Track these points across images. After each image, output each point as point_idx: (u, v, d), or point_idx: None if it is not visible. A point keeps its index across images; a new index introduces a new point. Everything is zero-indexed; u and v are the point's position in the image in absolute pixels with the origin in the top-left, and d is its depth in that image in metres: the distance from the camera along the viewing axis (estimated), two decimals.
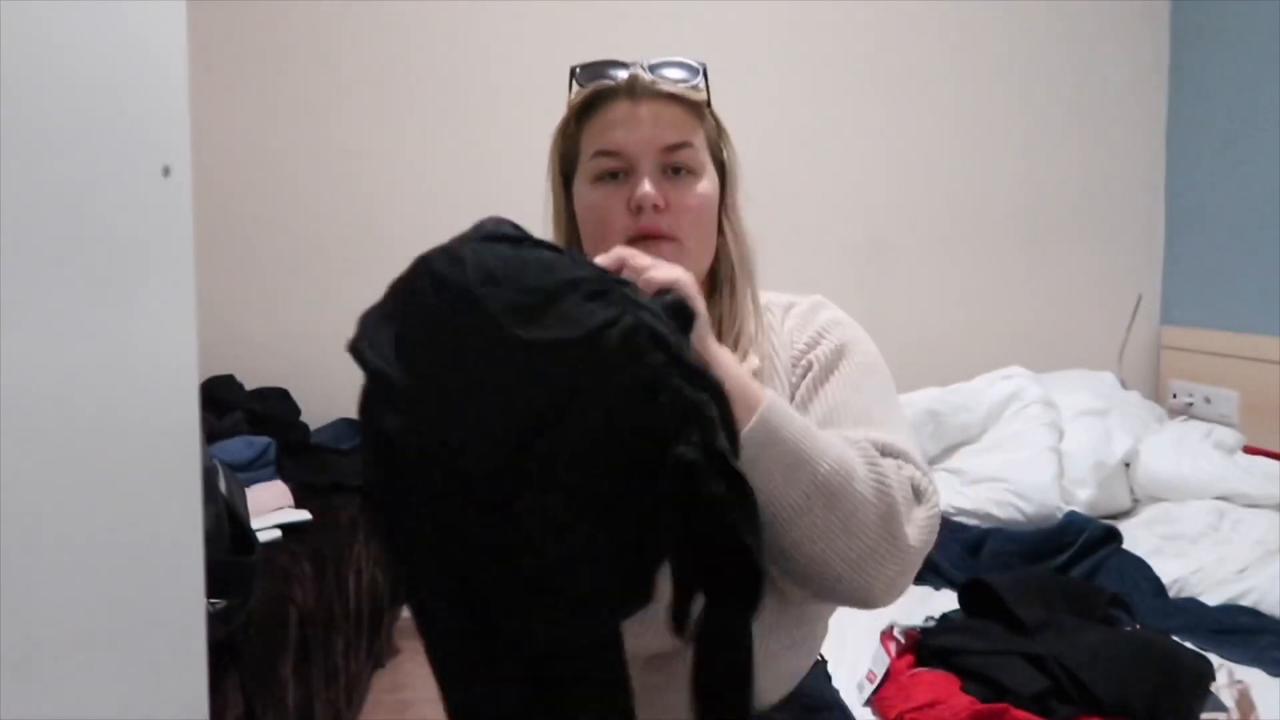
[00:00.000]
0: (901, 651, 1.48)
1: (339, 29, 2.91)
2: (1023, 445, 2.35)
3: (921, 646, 1.47)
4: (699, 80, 1.01)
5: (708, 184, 0.99)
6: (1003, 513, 2.22)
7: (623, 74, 0.98)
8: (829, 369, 0.99)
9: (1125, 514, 2.37)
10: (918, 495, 0.87)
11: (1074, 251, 3.12)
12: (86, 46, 0.74)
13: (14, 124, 0.64)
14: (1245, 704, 1.33)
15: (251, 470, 2.34)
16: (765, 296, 1.08)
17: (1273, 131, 2.67)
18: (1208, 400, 2.82)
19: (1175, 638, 1.58)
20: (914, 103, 3.05)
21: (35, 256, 0.67)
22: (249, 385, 2.86)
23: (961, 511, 2.24)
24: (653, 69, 0.99)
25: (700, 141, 1.00)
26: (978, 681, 1.36)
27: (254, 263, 2.95)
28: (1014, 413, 2.46)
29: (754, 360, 0.98)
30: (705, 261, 1.01)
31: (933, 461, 2.44)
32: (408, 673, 2.74)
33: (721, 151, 1.04)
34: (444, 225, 3.07)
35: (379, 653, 2.61)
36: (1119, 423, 2.53)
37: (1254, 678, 1.46)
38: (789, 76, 3.01)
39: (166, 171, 0.85)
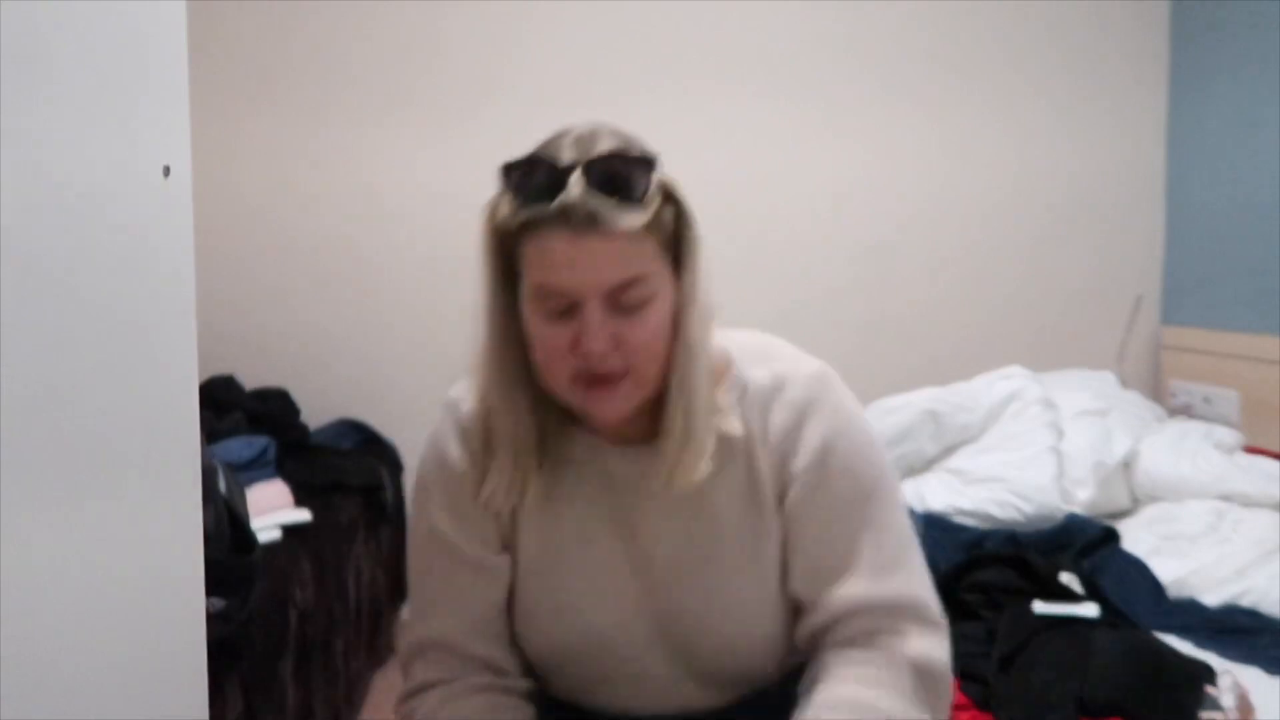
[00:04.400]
0: None
1: (339, 29, 2.91)
2: (1022, 445, 2.34)
3: None
4: (645, 186, 0.87)
5: (661, 304, 0.90)
6: (1002, 513, 2.21)
7: (558, 197, 0.85)
8: (816, 493, 0.95)
9: (1125, 514, 2.37)
10: (920, 671, 0.90)
11: (1074, 251, 3.12)
12: (87, 46, 0.74)
13: (15, 124, 0.64)
14: (1244, 705, 1.32)
15: (251, 470, 2.34)
16: (748, 371, 0.99)
17: (1273, 131, 2.67)
18: (1208, 400, 2.82)
19: (1174, 638, 1.58)
20: (913, 103, 3.04)
21: (36, 256, 0.67)
22: (249, 385, 2.86)
23: (961, 512, 2.24)
24: (595, 179, 0.85)
25: (652, 262, 0.89)
26: (974, 681, 1.37)
27: (254, 263, 2.95)
28: (1014, 413, 2.46)
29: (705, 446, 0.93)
30: (662, 373, 0.92)
31: (932, 462, 2.44)
32: None
33: (678, 244, 0.91)
34: (444, 226, 3.09)
35: (379, 653, 2.61)
36: (1119, 423, 2.53)
37: (1253, 677, 1.46)
38: (789, 78, 3.01)
39: (166, 171, 0.85)
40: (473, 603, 0.99)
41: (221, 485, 1.53)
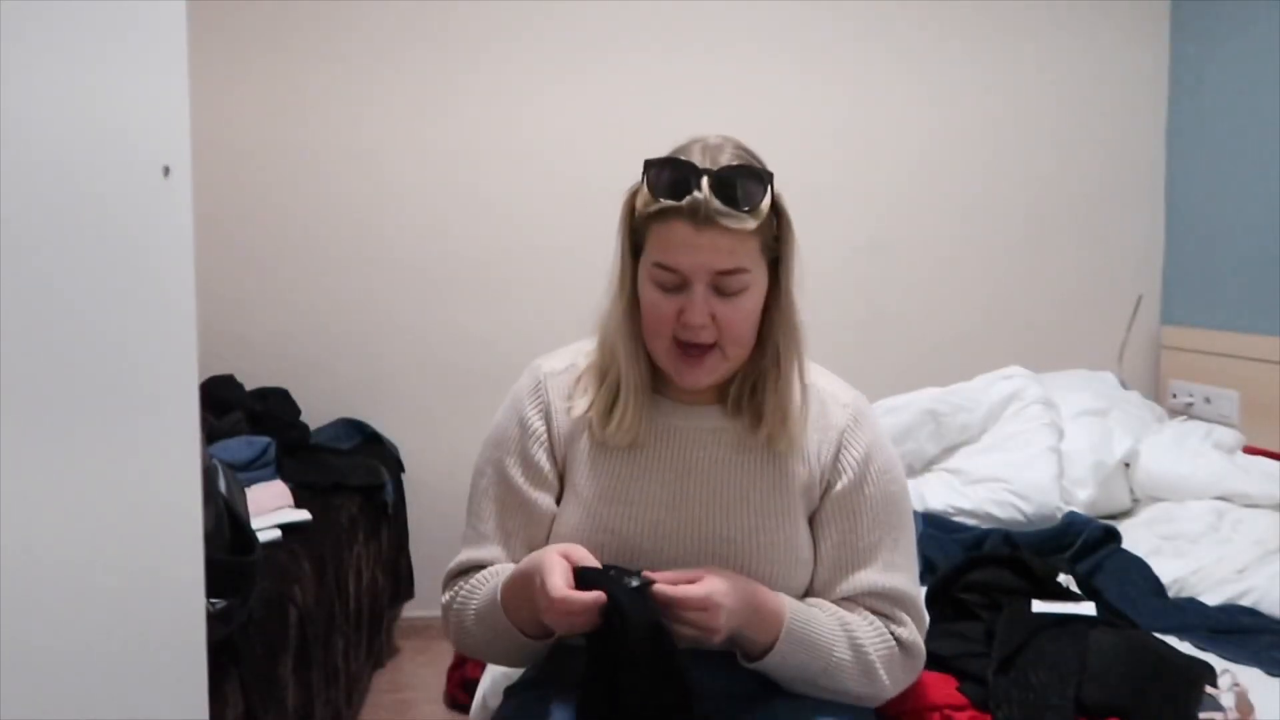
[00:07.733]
0: None
1: (339, 28, 2.91)
2: (1022, 445, 2.34)
3: None
4: (759, 198, 1.08)
5: (754, 295, 1.11)
6: (1003, 513, 2.21)
7: (688, 195, 1.05)
8: (852, 499, 1.17)
9: (1125, 514, 2.37)
10: (903, 648, 1.16)
11: (1074, 251, 3.12)
12: (85, 45, 0.74)
13: (15, 123, 0.64)
14: (1244, 705, 1.33)
15: (251, 470, 2.34)
16: (810, 375, 1.21)
17: (1273, 132, 2.67)
18: (1208, 400, 2.82)
19: (1174, 638, 1.58)
20: (913, 102, 3.04)
21: (36, 255, 0.67)
22: (249, 385, 2.86)
23: (961, 512, 2.24)
24: (720, 185, 1.05)
25: (753, 259, 1.10)
26: (973, 681, 1.37)
27: (254, 263, 2.95)
28: (1014, 413, 2.46)
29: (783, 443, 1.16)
30: (745, 355, 1.15)
31: (932, 462, 2.43)
32: (408, 673, 2.74)
33: (779, 247, 1.13)
34: (444, 224, 3.09)
35: (379, 653, 2.61)
36: (1119, 423, 2.53)
37: (1253, 678, 1.46)
38: (788, 74, 3.00)
39: (166, 171, 0.85)
40: (517, 542, 1.19)
41: (221, 485, 1.53)
